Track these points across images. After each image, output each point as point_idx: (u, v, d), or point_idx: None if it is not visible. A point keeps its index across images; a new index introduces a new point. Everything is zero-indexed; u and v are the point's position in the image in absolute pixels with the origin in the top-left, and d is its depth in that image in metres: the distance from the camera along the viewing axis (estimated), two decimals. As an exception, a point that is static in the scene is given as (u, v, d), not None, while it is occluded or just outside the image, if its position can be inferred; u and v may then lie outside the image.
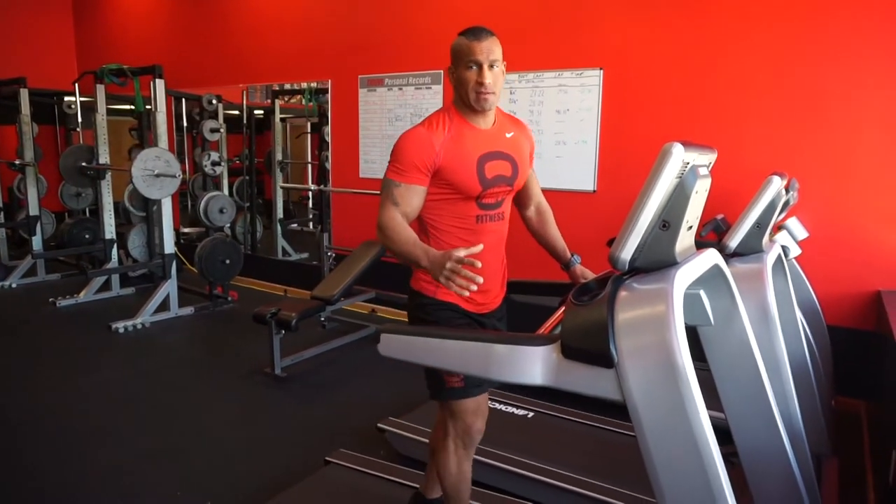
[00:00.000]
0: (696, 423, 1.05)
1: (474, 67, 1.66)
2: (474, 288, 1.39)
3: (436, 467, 1.89)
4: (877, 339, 3.04)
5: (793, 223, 3.12)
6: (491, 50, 1.65)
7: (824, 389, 2.64)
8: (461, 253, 1.43)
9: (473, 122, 1.73)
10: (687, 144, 1.16)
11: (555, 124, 4.03)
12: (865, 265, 3.21)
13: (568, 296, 1.26)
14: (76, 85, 5.40)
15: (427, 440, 2.18)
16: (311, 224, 6.73)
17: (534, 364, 1.21)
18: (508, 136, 1.79)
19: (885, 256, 3.16)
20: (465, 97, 1.70)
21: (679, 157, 1.14)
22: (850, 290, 3.27)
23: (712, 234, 3.11)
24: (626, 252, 1.19)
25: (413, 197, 1.68)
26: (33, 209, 5.74)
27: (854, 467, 2.68)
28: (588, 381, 1.15)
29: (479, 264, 1.42)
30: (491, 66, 1.66)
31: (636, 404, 1.09)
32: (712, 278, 1.43)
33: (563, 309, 1.52)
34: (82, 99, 5.54)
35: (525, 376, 1.23)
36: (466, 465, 1.85)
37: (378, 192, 1.75)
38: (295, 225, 6.54)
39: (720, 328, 1.48)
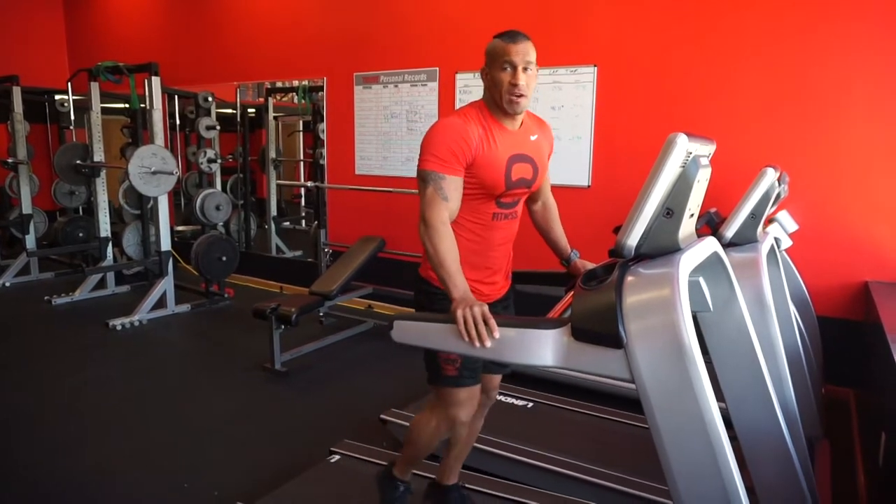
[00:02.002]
0: (703, 399, 1.11)
1: (508, 69, 1.65)
2: (488, 344, 1.32)
3: (413, 430, 1.93)
4: (865, 328, 3.12)
5: (783, 216, 3.21)
6: (526, 52, 1.65)
7: (815, 377, 2.72)
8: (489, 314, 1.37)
9: (504, 122, 1.73)
10: (690, 135, 1.22)
11: (550, 121, 3.95)
12: (853, 257, 3.30)
13: (577, 281, 1.31)
14: (69, 83, 5.39)
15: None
16: (303, 222, 6.77)
17: (545, 346, 1.26)
18: (533, 138, 1.81)
19: (872, 248, 3.25)
20: (497, 99, 1.69)
21: (683, 147, 1.20)
22: (838, 282, 3.35)
23: (706, 227, 3.18)
24: (632, 238, 1.24)
25: (456, 191, 1.65)
26: (26, 208, 5.73)
27: (844, 450, 2.76)
28: (598, 361, 1.20)
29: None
30: (525, 69, 1.65)
31: (644, 382, 1.15)
32: (711, 266, 1.49)
33: (571, 294, 1.57)
34: (75, 97, 5.53)
35: (536, 358, 1.28)
36: (438, 440, 1.92)
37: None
38: (288, 223, 6.57)
39: (719, 314, 1.54)
